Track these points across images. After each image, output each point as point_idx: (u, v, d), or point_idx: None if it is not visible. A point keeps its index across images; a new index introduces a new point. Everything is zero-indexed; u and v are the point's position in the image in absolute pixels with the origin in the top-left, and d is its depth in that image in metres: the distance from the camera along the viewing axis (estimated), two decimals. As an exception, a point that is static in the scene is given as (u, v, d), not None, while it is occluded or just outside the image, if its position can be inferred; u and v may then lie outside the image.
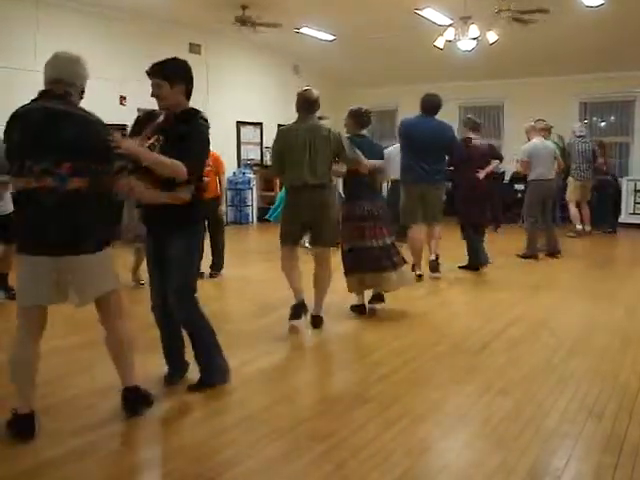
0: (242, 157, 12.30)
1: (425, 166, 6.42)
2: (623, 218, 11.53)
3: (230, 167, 11.23)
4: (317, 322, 4.82)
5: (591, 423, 3.09)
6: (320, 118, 6.75)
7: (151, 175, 3.15)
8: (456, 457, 2.79)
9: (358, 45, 11.63)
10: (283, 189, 6.05)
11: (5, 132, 2.86)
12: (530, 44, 10.49)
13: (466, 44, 9.52)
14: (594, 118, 12.65)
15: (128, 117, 9.42)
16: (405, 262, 5.27)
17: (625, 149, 12.35)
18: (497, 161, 7.49)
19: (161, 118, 3.46)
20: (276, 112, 12.49)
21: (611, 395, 3.45)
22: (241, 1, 9.29)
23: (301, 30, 10.66)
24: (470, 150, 7.11)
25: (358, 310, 5.20)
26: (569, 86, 12.09)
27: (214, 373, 3.52)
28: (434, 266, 6.68)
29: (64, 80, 2.87)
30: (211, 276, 6.55)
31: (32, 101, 2.88)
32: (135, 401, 3.11)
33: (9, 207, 4.96)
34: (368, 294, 5.32)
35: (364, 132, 5.30)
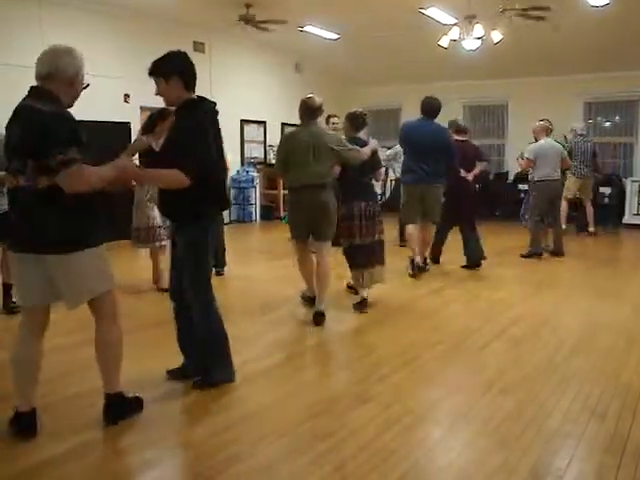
0: (246, 155, 12.30)
1: (425, 167, 6.59)
2: (627, 219, 11.49)
3: (234, 165, 11.24)
4: (319, 320, 4.87)
5: (594, 423, 3.08)
6: (330, 116, 6.92)
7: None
8: (457, 457, 2.78)
9: (362, 44, 11.61)
10: None
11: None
12: (534, 44, 10.46)
13: (471, 43, 9.49)
14: (598, 118, 12.61)
15: (132, 115, 9.51)
16: (384, 262, 5.48)
17: (629, 149, 12.30)
18: (485, 162, 7.67)
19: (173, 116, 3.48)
20: (280, 111, 12.50)
21: (614, 395, 3.44)
22: (245, 0, 9.30)
23: (305, 29, 10.65)
24: None
25: (361, 305, 5.28)
26: (573, 86, 12.05)
27: (219, 373, 3.52)
28: (419, 268, 6.80)
29: (49, 74, 2.78)
30: (219, 274, 6.54)
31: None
32: (115, 409, 3.04)
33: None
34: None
35: (360, 134, 5.50)
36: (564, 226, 9.95)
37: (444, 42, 9.39)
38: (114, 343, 3.03)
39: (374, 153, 5.39)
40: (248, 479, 2.58)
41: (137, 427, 3.04)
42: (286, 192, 5.54)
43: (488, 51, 9.95)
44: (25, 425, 2.89)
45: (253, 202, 12.22)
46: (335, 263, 5.50)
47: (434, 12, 9.27)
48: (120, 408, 3.07)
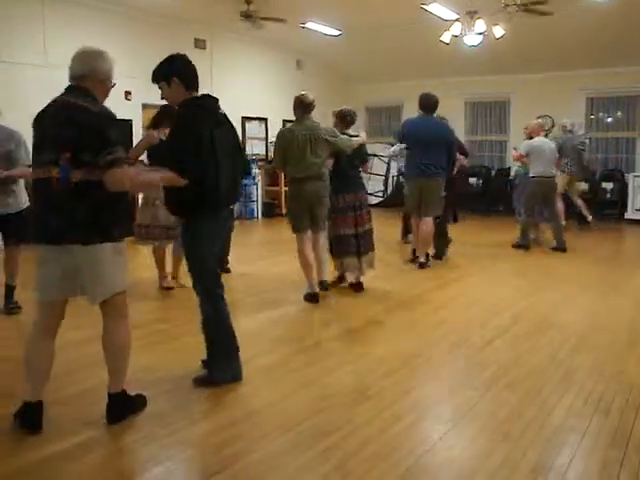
0: (247, 152, 12.30)
1: (425, 162, 6.80)
2: (629, 214, 11.47)
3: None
4: (324, 285, 5.60)
5: (597, 419, 3.09)
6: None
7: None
8: (460, 453, 2.78)
9: (364, 40, 11.59)
10: None
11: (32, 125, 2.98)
12: (536, 39, 10.44)
13: (472, 39, 9.47)
14: (600, 113, 12.58)
15: (134, 112, 9.51)
16: (374, 249, 5.94)
17: (631, 145, 12.27)
18: (462, 157, 7.86)
19: None
20: (281, 107, 12.44)
21: (617, 391, 3.45)
22: (246, -4, 9.28)
23: (306, 25, 10.64)
24: None
25: (337, 282, 5.97)
26: (575, 81, 12.02)
27: (221, 372, 3.51)
28: (420, 264, 6.94)
29: (84, 75, 2.93)
30: (226, 271, 6.49)
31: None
32: (119, 407, 3.05)
33: (17, 204, 4.93)
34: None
35: (350, 131, 5.88)
36: (563, 222, 10.00)
37: (446, 38, 9.37)
38: (124, 344, 3.05)
39: (361, 145, 5.81)
40: (253, 475, 2.59)
41: (141, 425, 3.04)
42: (287, 189, 5.81)
43: (490, 47, 9.93)
44: (31, 418, 2.91)
45: (255, 199, 12.23)
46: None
47: (436, 8, 9.25)
48: (124, 406, 3.08)
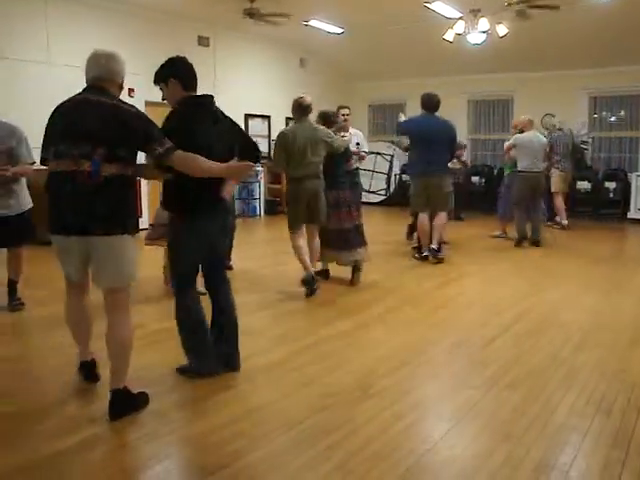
0: (249, 150, 12.30)
1: (429, 159, 6.99)
2: (632, 214, 11.44)
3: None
4: (324, 274, 6.11)
5: (599, 418, 3.08)
6: (340, 107, 7.48)
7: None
8: (462, 451, 2.78)
9: (367, 38, 11.57)
10: None
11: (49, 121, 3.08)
12: (540, 37, 10.42)
13: (476, 37, 9.46)
14: (603, 112, 12.54)
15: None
16: (366, 243, 6.18)
17: (634, 144, 12.23)
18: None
19: None
20: (284, 105, 12.38)
21: (619, 390, 3.44)
22: (249, -7, 9.27)
23: (310, 23, 10.62)
24: None
25: (323, 275, 6.18)
26: (578, 80, 11.99)
27: (196, 363, 3.55)
28: (433, 254, 7.19)
29: (101, 77, 3.07)
30: (229, 268, 6.45)
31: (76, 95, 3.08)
32: (121, 404, 3.06)
33: (19, 206, 4.85)
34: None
35: (332, 130, 6.10)
36: (565, 221, 9.97)
37: (449, 36, 9.36)
38: (127, 339, 3.08)
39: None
40: (254, 473, 2.59)
41: (143, 422, 3.04)
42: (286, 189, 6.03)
43: (493, 45, 9.92)
44: (89, 373, 3.41)
45: (257, 197, 12.23)
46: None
47: (439, 6, 9.24)
48: (126, 403, 3.08)
